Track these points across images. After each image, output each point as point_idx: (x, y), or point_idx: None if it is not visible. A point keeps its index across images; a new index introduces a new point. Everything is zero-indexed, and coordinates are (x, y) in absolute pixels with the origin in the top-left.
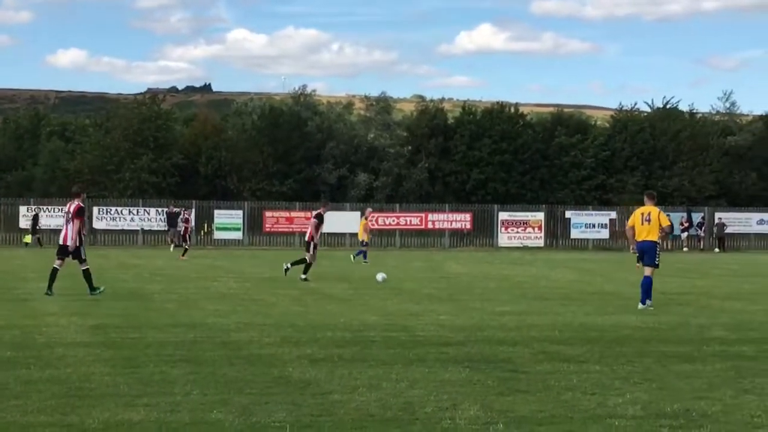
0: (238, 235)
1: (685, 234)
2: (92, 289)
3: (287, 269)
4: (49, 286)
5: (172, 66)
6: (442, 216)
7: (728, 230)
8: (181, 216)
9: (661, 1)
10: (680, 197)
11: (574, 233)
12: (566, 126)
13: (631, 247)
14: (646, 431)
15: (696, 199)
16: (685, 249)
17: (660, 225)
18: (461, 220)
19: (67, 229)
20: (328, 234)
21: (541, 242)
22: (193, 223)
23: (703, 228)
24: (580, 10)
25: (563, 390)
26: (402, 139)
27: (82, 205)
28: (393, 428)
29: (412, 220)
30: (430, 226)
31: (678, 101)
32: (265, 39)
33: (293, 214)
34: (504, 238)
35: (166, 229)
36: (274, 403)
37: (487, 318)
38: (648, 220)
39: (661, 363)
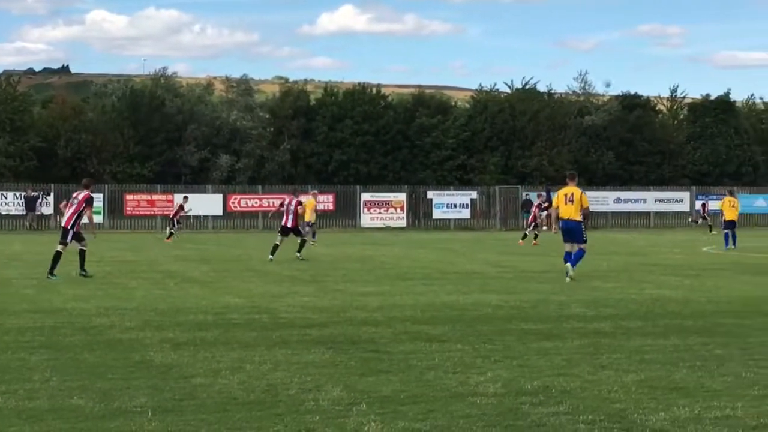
0: (98, 218)
1: (545, 213)
2: (81, 269)
3: (300, 258)
4: (82, 267)
5: (30, 47)
6: (304, 198)
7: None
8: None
9: None
10: (539, 177)
11: (436, 213)
12: (427, 107)
13: (554, 226)
14: (506, 408)
15: (555, 179)
16: (544, 228)
17: (582, 205)
18: (324, 201)
19: (67, 212)
20: (192, 216)
21: (403, 222)
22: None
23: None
24: None
25: (425, 369)
26: (264, 121)
27: (91, 195)
28: (256, 411)
29: (274, 201)
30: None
31: (537, 82)
32: (125, 20)
33: (154, 197)
34: (366, 219)
35: (24, 213)
36: (135, 388)
37: (349, 299)
38: (571, 201)
39: (522, 341)
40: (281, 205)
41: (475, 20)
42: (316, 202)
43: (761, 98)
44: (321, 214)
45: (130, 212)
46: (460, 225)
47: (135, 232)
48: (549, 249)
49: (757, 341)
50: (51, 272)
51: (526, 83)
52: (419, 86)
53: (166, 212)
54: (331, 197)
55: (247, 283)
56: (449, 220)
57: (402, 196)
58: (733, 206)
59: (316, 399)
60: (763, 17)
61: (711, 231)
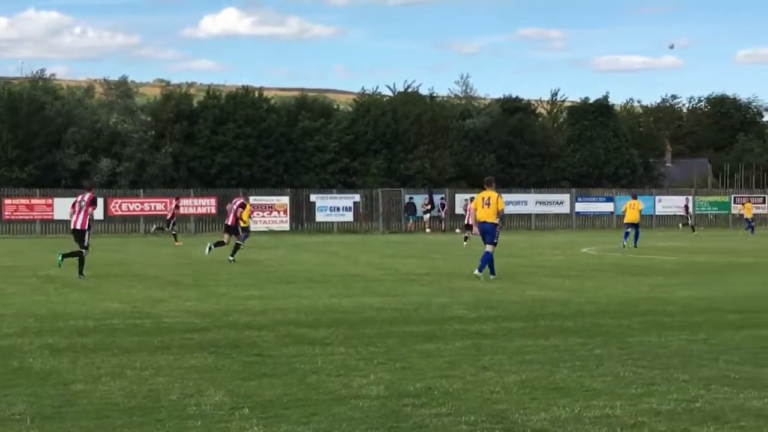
0: None
1: (428, 216)
2: (81, 272)
3: (231, 260)
4: (81, 271)
5: None
6: (186, 201)
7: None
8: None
9: None
10: (422, 179)
11: (319, 216)
12: (310, 110)
13: (474, 228)
14: (389, 410)
15: (437, 181)
16: (428, 230)
17: (497, 208)
18: (207, 205)
19: (79, 216)
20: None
21: (286, 226)
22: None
23: (444, 209)
24: None
25: (309, 372)
26: (145, 124)
27: (94, 196)
28: (137, 416)
29: (156, 205)
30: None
31: (419, 85)
32: (5, 21)
33: (33, 201)
34: (249, 223)
35: None
36: (13, 395)
37: (232, 303)
38: (488, 204)
39: (404, 343)
40: (176, 207)
41: (358, 23)
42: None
43: (639, 102)
44: (203, 218)
45: (8, 217)
46: (343, 228)
47: (14, 237)
48: (430, 251)
49: (635, 341)
50: (81, 272)
51: (409, 86)
52: (302, 89)
53: (45, 217)
54: (213, 201)
55: (129, 287)
56: (332, 223)
57: (285, 200)
58: (633, 208)
59: (198, 404)
60: (642, 22)
61: (693, 231)
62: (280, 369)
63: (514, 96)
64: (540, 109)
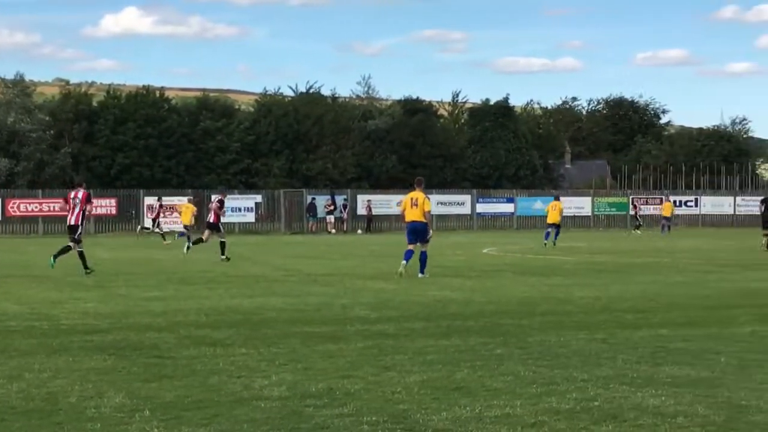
0: None
1: (331, 216)
2: (54, 257)
3: (225, 259)
4: (85, 266)
5: None
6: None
7: (374, 212)
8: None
9: None
10: (324, 180)
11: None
12: (212, 110)
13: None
14: (291, 411)
15: (339, 182)
16: (332, 231)
17: (424, 209)
18: (106, 205)
19: (74, 212)
20: None
21: None
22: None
23: (346, 210)
24: None
25: (210, 374)
26: (44, 124)
27: (88, 192)
28: (35, 419)
29: (55, 206)
30: None
31: (321, 86)
32: None
33: None
34: (150, 223)
35: None
36: None
37: (133, 304)
38: (416, 204)
39: (306, 343)
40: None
41: (260, 23)
42: (194, 206)
43: (539, 103)
44: (103, 219)
45: None
46: (245, 229)
47: None
48: (332, 252)
49: (535, 340)
50: (86, 267)
51: (311, 87)
52: (204, 89)
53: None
54: (113, 201)
55: (27, 289)
56: (234, 223)
57: (186, 201)
58: (554, 209)
59: (97, 406)
60: (542, 24)
61: (636, 231)
62: (181, 371)
63: (415, 97)
64: (441, 111)
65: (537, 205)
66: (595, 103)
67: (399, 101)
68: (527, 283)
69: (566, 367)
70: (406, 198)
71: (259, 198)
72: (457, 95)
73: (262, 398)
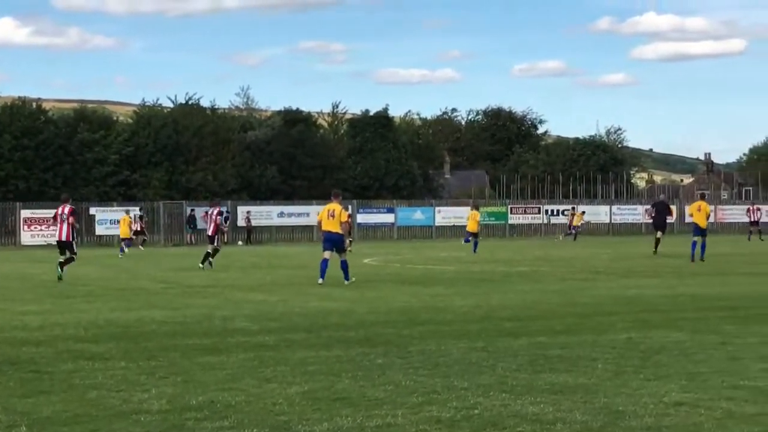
0: None
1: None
2: (60, 269)
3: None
4: (60, 267)
5: None
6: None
7: (253, 224)
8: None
9: None
10: (204, 192)
11: (99, 230)
12: (89, 122)
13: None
14: (171, 424)
15: (219, 193)
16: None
17: (341, 219)
18: None
19: (62, 227)
20: None
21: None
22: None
23: (227, 222)
24: (104, 5)
25: (88, 388)
26: None
27: (73, 207)
28: None
29: None
30: None
31: (200, 97)
32: None
33: None
34: (27, 237)
35: None
36: None
37: (9, 318)
38: (332, 216)
39: (186, 356)
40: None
41: (138, 34)
42: (131, 219)
43: (418, 114)
44: None
45: None
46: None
47: None
48: (215, 263)
49: (416, 350)
50: (61, 270)
51: (190, 98)
52: (81, 101)
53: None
54: None
55: None
56: (113, 236)
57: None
58: (473, 218)
59: None
60: (422, 36)
61: (560, 238)
62: (59, 385)
63: (295, 108)
64: (321, 121)
65: (417, 215)
66: (474, 113)
67: (279, 112)
68: (408, 293)
69: (447, 376)
70: (323, 210)
71: (138, 210)
72: (337, 106)
73: (141, 412)
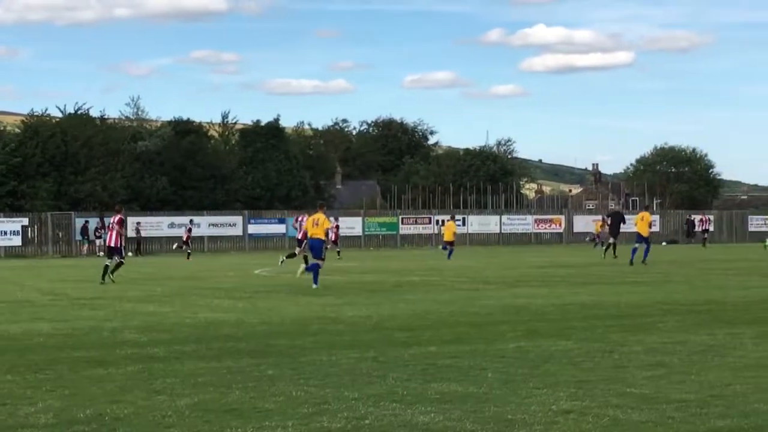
0: None
1: (101, 240)
2: (110, 276)
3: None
4: (107, 273)
5: None
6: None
7: (143, 234)
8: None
9: (73, 6)
10: (93, 202)
11: None
12: None
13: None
14: None
15: (109, 204)
16: (101, 254)
17: (324, 226)
18: None
19: (111, 234)
20: None
21: None
22: None
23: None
24: None
25: None
26: None
27: (123, 217)
28: None
29: None
30: None
31: (90, 107)
32: None
33: None
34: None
35: None
36: None
37: None
38: (317, 224)
39: (74, 369)
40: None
41: (26, 43)
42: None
43: (310, 124)
44: None
45: None
46: (11, 253)
47: None
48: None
49: (307, 360)
50: (103, 277)
51: (79, 108)
52: None
53: None
54: None
55: None
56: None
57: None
58: (450, 229)
59: None
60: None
61: (595, 246)
62: None
63: (186, 118)
64: (212, 132)
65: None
66: (366, 124)
67: (169, 122)
68: (299, 303)
69: (337, 386)
70: (309, 219)
71: (25, 221)
72: (227, 116)
73: (27, 426)
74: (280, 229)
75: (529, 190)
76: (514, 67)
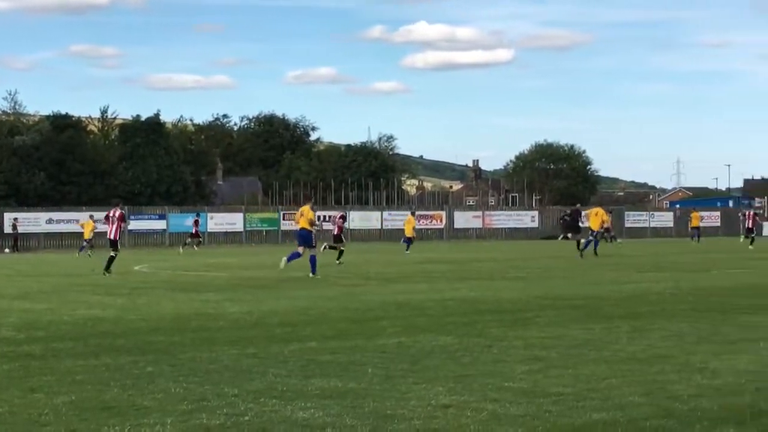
0: None
1: None
2: (106, 268)
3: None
4: (107, 268)
5: None
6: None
7: (20, 230)
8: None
9: None
10: None
11: None
12: None
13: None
14: None
15: None
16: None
17: (308, 218)
18: None
19: (112, 228)
20: None
21: None
22: None
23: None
24: None
25: None
26: None
27: (123, 211)
28: None
29: None
30: None
31: None
32: None
33: None
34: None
35: None
36: None
37: None
38: (302, 215)
39: None
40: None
41: None
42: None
43: (191, 119)
44: None
45: None
46: None
47: None
48: None
49: (186, 357)
50: (108, 269)
51: None
52: None
53: None
54: None
55: None
56: None
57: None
58: (410, 224)
59: None
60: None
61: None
62: None
63: (64, 113)
64: (91, 127)
65: (189, 221)
66: (247, 120)
67: (48, 117)
68: (179, 300)
69: (217, 383)
70: (298, 212)
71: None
72: (106, 111)
73: None
74: (160, 225)
75: (411, 186)
76: (396, 64)
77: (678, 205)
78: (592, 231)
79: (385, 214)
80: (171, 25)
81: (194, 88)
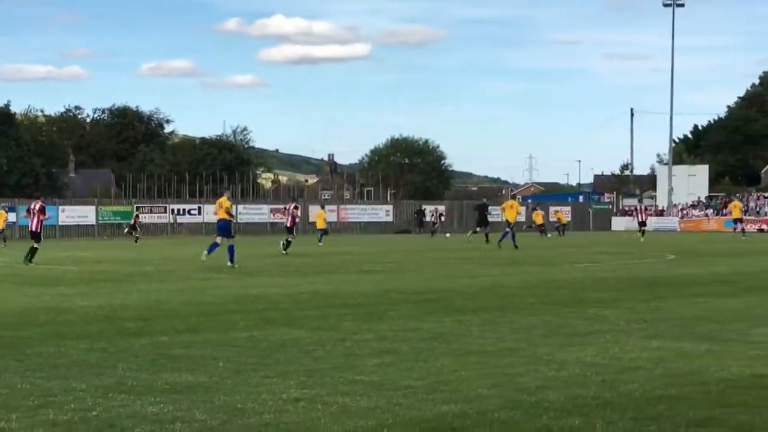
0: None
1: None
2: (28, 259)
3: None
4: (29, 259)
5: None
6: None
7: None
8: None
9: None
10: None
11: None
12: None
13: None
14: None
15: None
16: None
17: (226, 207)
18: None
19: (33, 221)
20: None
21: None
22: None
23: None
24: None
25: None
26: None
27: (44, 204)
28: None
29: None
30: None
31: None
32: None
33: None
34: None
35: None
36: None
37: None
38: (221, 207)
39: None
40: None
41: None
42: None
43: (42, 111)
44: None
45: None
46: None
47: None
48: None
49: (33, 352)
50: (30, 260)
51: None
52: None
53: None
54: None
55: None
56: None
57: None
58: (321, 217)
59: None
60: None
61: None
62: None
63: None
64: None
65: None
66: (100, 112)
67: None
68: (28, 294)
69: (65, 378)
70: (216, 203)
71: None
72: None
73: None
74: (10, 217)
75: (266, 179)
76: (252, 57)
77: (530, 200)
78: (509, 223)
79: (240, 207)
80: (23, 15)
81: (46, 79)
